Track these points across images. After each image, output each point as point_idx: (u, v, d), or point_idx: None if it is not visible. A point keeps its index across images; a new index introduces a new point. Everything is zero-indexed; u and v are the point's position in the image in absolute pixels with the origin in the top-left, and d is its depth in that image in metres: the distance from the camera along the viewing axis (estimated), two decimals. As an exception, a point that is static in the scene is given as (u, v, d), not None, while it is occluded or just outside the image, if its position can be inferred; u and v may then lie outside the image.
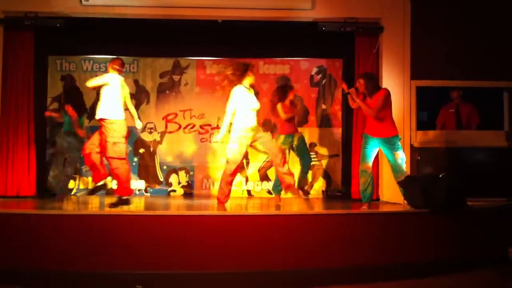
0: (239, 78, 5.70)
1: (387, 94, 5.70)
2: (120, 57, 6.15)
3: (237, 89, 5.66)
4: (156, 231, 4.78)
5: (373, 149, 5.83)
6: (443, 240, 5.11)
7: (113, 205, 5.53)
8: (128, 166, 5.74)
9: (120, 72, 5.83)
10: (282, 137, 6.67)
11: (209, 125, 7.86)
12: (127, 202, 5.66)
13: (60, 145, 7.16)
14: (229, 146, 5.73)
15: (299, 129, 7.05)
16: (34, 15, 6.79)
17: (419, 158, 6.76)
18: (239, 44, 7.55)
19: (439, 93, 7.47)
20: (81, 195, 7.47)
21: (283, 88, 6.80)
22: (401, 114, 6.82)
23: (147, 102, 7.84)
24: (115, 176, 5.66)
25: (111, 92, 5.64)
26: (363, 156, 5.85)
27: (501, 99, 7.24)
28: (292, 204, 6.36)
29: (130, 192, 5.76)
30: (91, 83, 5.73)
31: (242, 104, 5.65)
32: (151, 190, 7.75)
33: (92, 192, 6.13)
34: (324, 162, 7.85)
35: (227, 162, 5.79)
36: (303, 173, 6.95)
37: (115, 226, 4.79)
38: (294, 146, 6.79)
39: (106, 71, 7.57)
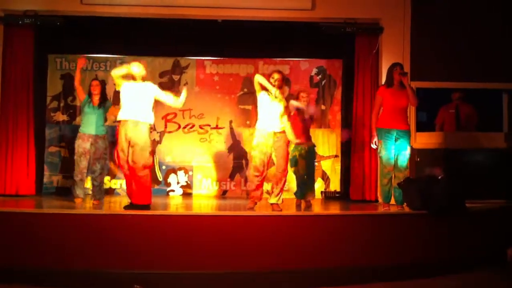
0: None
1: None
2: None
3: None
4: (154, 231, 4.78)
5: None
6: (441, 241, 5.11)
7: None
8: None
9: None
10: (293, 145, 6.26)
11: (209, 125, 7.85)
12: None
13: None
14: None
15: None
16: (34, 14, 6.77)
17: (418, 159, 6.75)
18: (239, 44, 7.55)
19: (439, 95, 7.46)
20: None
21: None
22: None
23: (147, 101, 7.81)
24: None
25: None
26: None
27: (501, 101, 7.24)
28: (290, 205, 6.35)
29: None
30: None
31: None
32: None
33: None
34: (323, 163, 7.84)
35: None
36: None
37: (114, 226, 4.79)
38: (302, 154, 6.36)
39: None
